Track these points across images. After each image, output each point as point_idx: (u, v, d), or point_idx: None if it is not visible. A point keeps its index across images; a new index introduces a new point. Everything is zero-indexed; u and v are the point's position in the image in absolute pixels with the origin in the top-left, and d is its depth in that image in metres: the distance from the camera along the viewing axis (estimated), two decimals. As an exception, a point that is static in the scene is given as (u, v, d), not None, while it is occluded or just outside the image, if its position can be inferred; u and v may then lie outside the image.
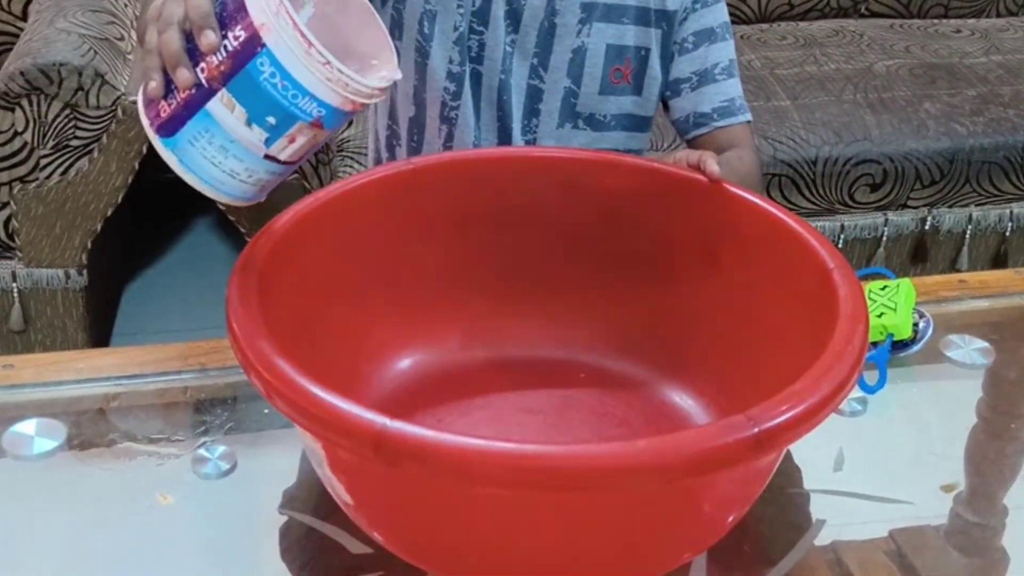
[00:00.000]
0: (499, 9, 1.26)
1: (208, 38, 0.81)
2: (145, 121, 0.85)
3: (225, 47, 0.81)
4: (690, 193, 1.05)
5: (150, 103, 0.85)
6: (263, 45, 0.80)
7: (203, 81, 0.82)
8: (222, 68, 0.81)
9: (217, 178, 0.85)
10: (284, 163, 0.86)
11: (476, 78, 1.29)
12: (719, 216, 1.03)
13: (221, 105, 0.82)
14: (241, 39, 0.80)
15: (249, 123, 0.82)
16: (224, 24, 0.81)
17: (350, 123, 2.20)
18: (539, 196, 1.09)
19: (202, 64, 0.82)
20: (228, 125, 0.82)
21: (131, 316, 2.40)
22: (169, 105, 0.83)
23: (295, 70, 0.80)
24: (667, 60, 1.33)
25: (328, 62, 0.80)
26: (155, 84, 0.83)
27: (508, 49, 1.28)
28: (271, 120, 0.82)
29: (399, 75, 0.90)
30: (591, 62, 1.30)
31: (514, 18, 1.27)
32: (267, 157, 0.84)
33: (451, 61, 1.27)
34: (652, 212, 1.07)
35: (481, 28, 1.27)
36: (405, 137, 1.34)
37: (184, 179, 0.85)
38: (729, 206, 1.03)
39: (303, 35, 0.79)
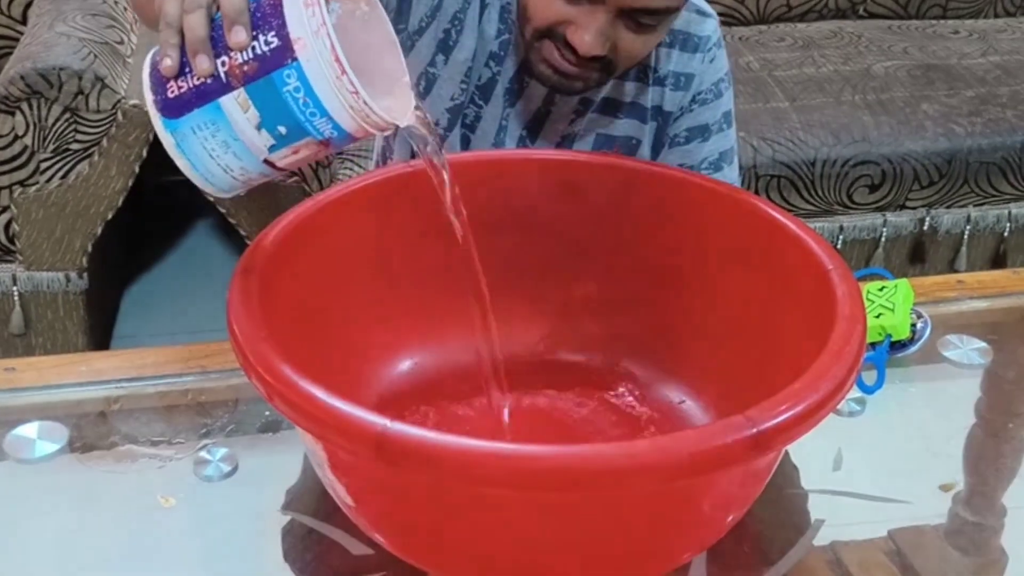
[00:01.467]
0: (501, 87, 1.25)
1: (239, 36, 0.78)
2: (149, 96, 0.83)
3: (253, 48, 0.79)
4: (688, 194, 1.05)
5: (159, 79, 0.82)
6: (294, 58, 0.78)
7: (222, 74, 0.79)
8: (246, 68, 0.79)
9: (210, 169, 0.83)
10: (279, 169, 0.84)
11: (465, 142, 1.27)
12: (717, 217, 1.04)
13: (235, 103, 0.80)
14: (272, 46, 0.78)
15: (259, 127, 0.80)
16: (256, 23, 0.79)
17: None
18: (538, 197, 1.09)
19: (224, 57, 0.79)
20: (237, 124, 0.80)
21: (131, 319, 2.40)
22: (179, 87, 0.81)
23: (322, 92, 0.78)
24: (658, 150, 1.32)
25: (357, 92, 0.78)
26: (170, 63, 0.81)
27: (503, 123, 1.27)
28: (282, 130, 0.81)
29: (412, 119, 0.88)
30: (578, 146, 1.29)
31: (513, 96, 1.26)
32: (266, 161, 0.83)
33: (437, 124, 1.26)
34: (650, 213, 1.07)
35: (481, 103, 1.26)
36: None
37: (176, 162, 0.84)
38: (727, 207, 1.03)
39: (339, 60, 0.77)
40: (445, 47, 1.22)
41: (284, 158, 0.83)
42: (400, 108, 0.87)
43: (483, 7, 1.22)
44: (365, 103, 0.79)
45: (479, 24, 1.22)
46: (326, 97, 0.79)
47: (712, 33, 1.29)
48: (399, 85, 0.90)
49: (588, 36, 1.08)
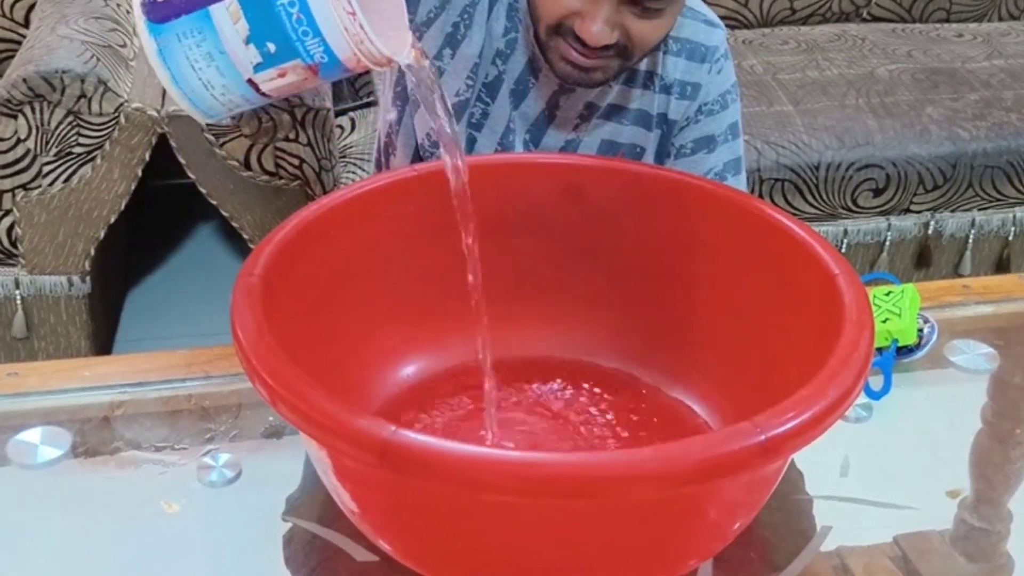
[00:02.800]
0: (507, 88, 1.25)
1: None
2: None
3: None
4: (693, 199, 1.05)
5: None
6: None
7: None
8: None
9: (190, 84, 0.81)
10: (261, 94, 0.82)
11: (471, 142, 1.26)
12: (723, 222, 1.03)
13: (226, 12, 0.77)
14: None
15: (248, 41, 0.78)
16: None
17: (345, 112, 2.20)
18: (542, 201, 1.09)
19: None
20: (225, 35, 0.78)
21: (134, 323, 2.40)
22: None
23: (317, 9, 0.76)
24: (662, 158, 1.32)
25: (355, 13, 0.76)
26: None
27: (511, 125, 1.27)
28: (271, 47, 0.78)
29: (408, 59, 0.86)
30: (583, 152, 1.28)
31: (518, 98, 1.26)
32: (249, 82, 0.80)
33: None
34: (654, 217, 1.07)
35: (488, 100, 1.25)
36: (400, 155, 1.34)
37: (156, 72, 0.81)
38: (733, 212, 1.03)
39: None
40: (453, 41, 1.22)
41: (269, 80, 0.80)
42: (398, 46, 0.85)
43: (492, 3, 1.21)
44: (361, 27, 0.77)
45: (487, 21, 1.22)
46: (321, 15, 0.76)
47: (719, 44, 1.29)
48: (398, 29, 0.88)
49: (595, 27, 1.09)
